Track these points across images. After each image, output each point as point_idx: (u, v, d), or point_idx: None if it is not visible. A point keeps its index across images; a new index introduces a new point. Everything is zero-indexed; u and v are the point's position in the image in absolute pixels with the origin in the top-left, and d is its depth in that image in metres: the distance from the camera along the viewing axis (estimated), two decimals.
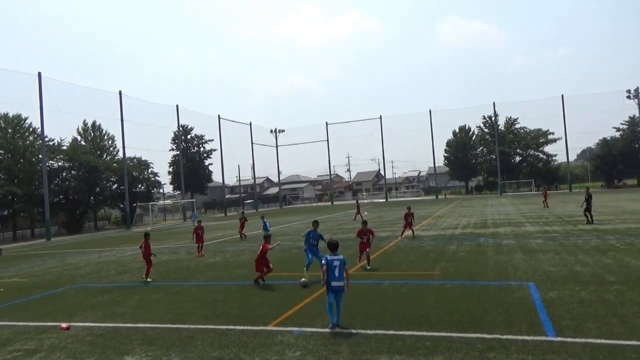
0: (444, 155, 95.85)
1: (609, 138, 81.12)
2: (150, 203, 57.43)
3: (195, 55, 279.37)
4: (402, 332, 7.48)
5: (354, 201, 39.90)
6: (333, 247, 8.30)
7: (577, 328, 7.16)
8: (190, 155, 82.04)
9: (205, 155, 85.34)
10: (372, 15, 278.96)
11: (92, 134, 66.63)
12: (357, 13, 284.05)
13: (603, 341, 6.54)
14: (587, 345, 6.41)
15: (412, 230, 21.38)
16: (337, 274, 7.83)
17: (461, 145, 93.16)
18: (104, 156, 65.23)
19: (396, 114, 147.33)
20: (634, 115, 76.48)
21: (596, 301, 8.59)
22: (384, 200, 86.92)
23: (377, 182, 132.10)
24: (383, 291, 10.58)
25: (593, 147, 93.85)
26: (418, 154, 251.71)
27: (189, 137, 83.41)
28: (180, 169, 69.43)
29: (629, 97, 72.76)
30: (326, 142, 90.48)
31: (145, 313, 10.09)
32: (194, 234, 20.38)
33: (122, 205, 62.28)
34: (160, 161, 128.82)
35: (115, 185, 63.70)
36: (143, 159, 67.20)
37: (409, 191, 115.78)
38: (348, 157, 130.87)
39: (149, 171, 68.36)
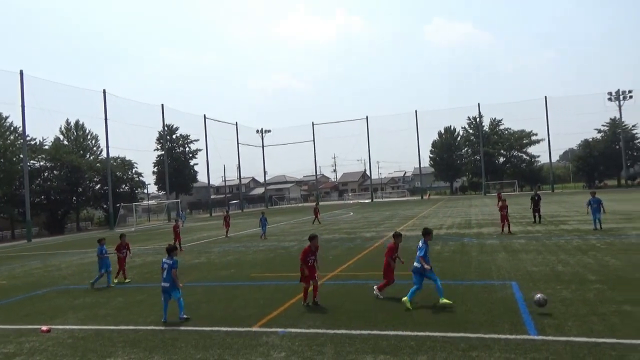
0: (430, 156, 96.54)
1: (590, 139, 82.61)
2: (134, 203, 56.72)
3: (182, 54, 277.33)
4: (386, 332, 7.51)
5: (312, 204, 39.40)
6: (168, 251, 9.51)
7: (559, 327, 7.26)
8: (175, 155, 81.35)
9: (190, 155, 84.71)
10: (359, 15, 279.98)
11: (75, 133, 65.59)
12: (344, 13, 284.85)
13: (583, 339, 6.65)
14: (568, 344, 6.51)
15: (509, 225, 20.52)
16: (165, 275, 9.21)
17: (446, 146, 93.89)
18: (87, 156, 64.27)
19: (382, 115, 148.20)
20: (615, 117, 77.99)
21: (577, 300, 8.72)
22: (370, 200, 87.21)
23: (363, 183, 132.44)
24: (368, 291, 10.60)
25: (575, 148, 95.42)
26: (404, 154, 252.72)
27: (174, 136, 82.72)
28: (165, 169, 68.79)
29: (610, 99, 74.05)
30: (312, 142, 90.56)
31: (128, 315, 9.97)
32: (174, 232, 21.76)
33: (105, 206, 61.47)
34: (145, 161, 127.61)
35: (99, 185, 62.79)
36: (127, 158, 66.42)
37: (394, 192, 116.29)
38: (334, 157, 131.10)
39: (133, 171, 67.53)
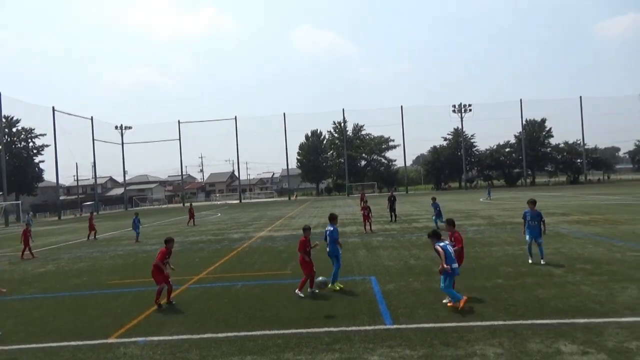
0: (297, 158, 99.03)
1: (438, 146, 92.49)
2: None
3: (24, 38, 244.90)
4: (253, 333, 7.51)
5: (189, 204, 38.58)
6: None
7: (410, 315, 7.98)
8: (15, 151, 71.50)
9: (35, 151, 75.14)
10: (227, 14, 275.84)
11: None
12: (212, 10, 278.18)
13: (431, 325, 7.40)
14: (418, 330, 7.19)
15: (370, 224, 21.61)
16: None
17: (313, 149, 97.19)
18: None
19: (252, 116, 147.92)
20: (457, 127, 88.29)
21: (426, 290, 9.68)
22: (238, 201, 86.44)
23: (231, 183, 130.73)
24: (236, 293, 10.50)
25: (425, 153, 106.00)
26: (272, 156, 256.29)
27: (14, 130, 72.67)
28: (2, 167, 60.04)
29: (454, 110, 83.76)
30: (178, 141, 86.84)
31: None
32: (22, 238, 19.57)
33: None
34: None
35: None
36: None
37: (263, 192, 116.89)
38: (201, 157, 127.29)
39: None
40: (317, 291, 9.75)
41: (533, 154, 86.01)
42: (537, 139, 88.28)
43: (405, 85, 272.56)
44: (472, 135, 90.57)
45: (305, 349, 6.65)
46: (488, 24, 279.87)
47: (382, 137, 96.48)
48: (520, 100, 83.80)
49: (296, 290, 9.75)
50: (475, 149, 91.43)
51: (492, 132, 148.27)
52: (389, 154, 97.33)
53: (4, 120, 64.21)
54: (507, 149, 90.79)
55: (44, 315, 9.54)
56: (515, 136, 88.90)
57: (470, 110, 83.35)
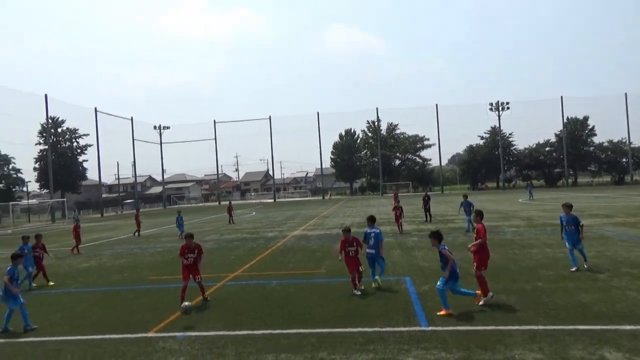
0: (331, 157, 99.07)
1: (474, 145, 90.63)
2: (11, 203, 51.03)
3: (68, 41, 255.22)
4: (288, 331, 7.57)
5: (227, 203, 39.56)
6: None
7: (446, 317, 7.85)
8: (61, 151, 74.46)
9: (79, 151, 78.06)
10: (261, 14, 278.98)
11: None
12: (246, 11, 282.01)
13: (467, 327, 7.27)
14: (454, 332, 7.07)
15: (400, 225, 21.36)
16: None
17: (347, 148, 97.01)
18: None
19: (285, 115, 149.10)
20: (495, 126, 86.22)
21: None
22: (273, 200, 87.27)
23: (265, 182, 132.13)
24: (270, 291, 10.61)
25: (461, 153, 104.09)
26: (306, 155, 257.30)
27: (59, 130, 75.75)
28: (49, 166, 62.71)
29: (491, 109, 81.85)
30: (214, 140, 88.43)
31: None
32: (73, 233, 20.40)
33: None
34: (24, 156, 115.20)
35: None
36: (2, 153, 59.52)
37: (296, 192, 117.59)
38: (236, 156, 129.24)
39: (10, 167, 60.74)
40: (357, 293, 9.70)
41: (575, 153, 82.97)
42: (579, 138, 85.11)
43: (441, 84, 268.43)
44: (510, 134, 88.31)
45: (339, 348, 6.65)
46: (527, 17, 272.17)
47: (416, 136, 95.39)
48: (561, 97, 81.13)
49: (354, 291, 9.73)
50: (514, 148, 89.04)
51: (532, 130, 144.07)
52: (424, 153, 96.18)
53: (50, 121, 67.07)
54: (547, 148, 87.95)
55: (86, 309, 9.92)
56: (556, 134, 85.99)
57: (508, 108, 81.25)
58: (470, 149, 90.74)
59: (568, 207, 11.53)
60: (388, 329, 7.39)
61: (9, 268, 8.81)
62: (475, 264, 8.88)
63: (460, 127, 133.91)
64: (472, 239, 8.76)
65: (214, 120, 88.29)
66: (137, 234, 27.06)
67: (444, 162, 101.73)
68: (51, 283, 13.04)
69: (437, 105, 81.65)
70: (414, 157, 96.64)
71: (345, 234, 10.15)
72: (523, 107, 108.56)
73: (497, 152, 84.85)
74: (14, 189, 62.37)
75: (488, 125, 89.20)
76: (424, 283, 10.48)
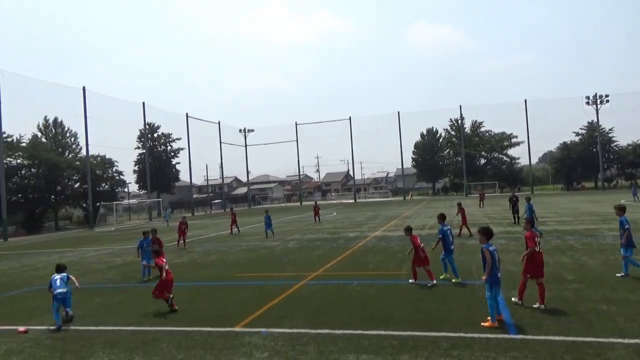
0: (412, 157, 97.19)
1: (568, 142, 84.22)
2: (115, 202, 55.85)
3: (162, 51, 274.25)
4: (369, 332, 7.54)
5: (312, 203, 40.44)
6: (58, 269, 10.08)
7: (538, 326, 7.39)
8: (156, 154, 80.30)
9: (172, 154, 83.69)
10: (341, 15, 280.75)
11: (53, 130, 64.31)
12: (326, 13, 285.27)
13: (562, 338, 6.78)
14: (546, 342, 6.63)
15: (467, 227, 20.53)
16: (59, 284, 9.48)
17: (428, 147, 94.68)
18: (66, 154, 63.09)
19: (365, 115, 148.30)
20: (592, 121, 79.61)
21: (555, 299, 8.88)
22: (353, 201, 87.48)
23: (346, 183, 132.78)
24: (351, 291, 10.64)
25: (554, 150, 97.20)
26: (386, 155, 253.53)
27: (155, 135, 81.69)
28: (146, 168, 67.90)
29: (587, 103, 75.57)
30: (296, 142, 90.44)
31: (107, 315, 9.83)
32: (178, 229, 22.46)
33: (84, 205, 60.40)
34: (126, 159, 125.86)
35: (78, 183, 61.61)
36: (107, 157, 65.32)
37: (377, 192, 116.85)
38: (317, 157, 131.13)
39: (113, 169, 66.45)
40: (433, 282, 10.53)
41: None
42: None
43: (529, 78, 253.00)
44: (610, 129, 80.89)
45: (422, 352, 6.51)
46: (624, 3, 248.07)
47: (503, 133, 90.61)
48: None
49: (432, 282, 10.62)
50: (615, 144, 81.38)
51: (636, 125, 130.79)
52: (512, 152, 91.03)
53: (147, 126, 72.54)
54: None
55: (179, 302, 10.55)
56: None
57: (607, 101, 74.45)
58: (564, 146, 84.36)
59: (619, 209, 10.84)
60: (473, 334, 7.11)
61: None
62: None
63: (552, 123, 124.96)
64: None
65: (296, 122, 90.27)
66: (235, 230, 28.77)
67: (534, 160, 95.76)
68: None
69: (525, 100, 77.11)
70: (500, 156, 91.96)
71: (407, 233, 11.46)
72: (624, 100, 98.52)
73: (595, 149, 78.19)
74: (116, 190, 68.14)
75: (584, 120, 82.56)
76: (512, 288, 9.91)
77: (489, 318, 7.57)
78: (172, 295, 9.88)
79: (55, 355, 7.40)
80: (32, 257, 23.37)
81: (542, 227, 22.20)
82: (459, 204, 22.25)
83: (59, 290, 9.41)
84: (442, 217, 11.73)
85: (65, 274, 9.80)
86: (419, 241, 10.84)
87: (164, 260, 10.20)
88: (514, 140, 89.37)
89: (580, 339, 6.69)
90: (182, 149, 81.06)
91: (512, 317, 7.92)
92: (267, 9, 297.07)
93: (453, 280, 10.92)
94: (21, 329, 8.95)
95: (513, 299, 8.81)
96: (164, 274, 9.89)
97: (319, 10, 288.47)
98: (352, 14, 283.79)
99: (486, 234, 8.02)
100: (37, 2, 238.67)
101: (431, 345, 6.77)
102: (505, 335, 7.02)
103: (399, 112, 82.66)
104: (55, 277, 9.71)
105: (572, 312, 7.95)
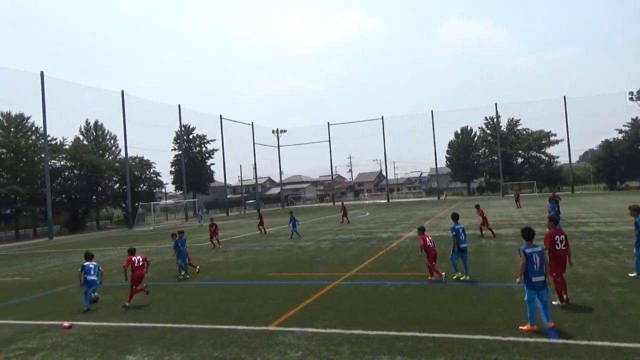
0: (446, 156, 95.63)
1: (611, 140, 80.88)
2: (152, 203, 57.44)
3: (196, 54, 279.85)
4: (403, 333, 7.48)
5: (340, 204, 40.45)
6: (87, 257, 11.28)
7: (580, 330, 7.14)
8: (192, 155, 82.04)
9: (207, 155, 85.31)
10: (372, 14, 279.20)
11: (94, 133, 66.64)
12: (357, 12, 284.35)
13: (605, 343, 6.52)
14: (589, 347, 6.40)
15: (489, 228, 20.18)
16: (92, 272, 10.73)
17: (463, 147, 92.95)
18: (106, 156, 65.28)
19: (398, 115, 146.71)
20: (637, 117, 76.31)
21: (598, 303, 8.57)
22: (386, 201, 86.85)
23: (379, 183, 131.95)
24: (385, 292, 10.57)
25: (595, 148, 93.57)
26: (420, 154, 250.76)
27: (190, 137, 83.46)
28: (182, 169, 69.50)
29: (631, 98, 72.55)
30: (328, 142, 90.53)
31: (146, 312, 10.11)
32: (209, 230, 23.39)
33: (124, 205, 62.33)
34: (162, 161, 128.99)
35: (117, 184, 63.67)
36: (145, 158, 67.22)
37: (410, 192, 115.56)
38: (350, 157, 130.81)
39: (151, 171, 68.32)
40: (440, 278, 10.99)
41: None
42: None
43: (569, 74, 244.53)
44: None
45: (458, 355, 6.40)
46: None
47: (541, 131, 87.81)
48: None
49: (431, 277, 11.31)
50: None
51: None
52: (551, 150, 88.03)
53: (182, 128, 74.20)
54: None
55: (215, 301, 10.78)
56: None
57: None
58: (607, 144, 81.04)
59: (634, 209, 10.72)
60: (511, 338, 6.93)
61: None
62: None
63: (593, 121, 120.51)
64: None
65: (328, 122, 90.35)
66: (262, 230, 29.05)
67: (575, 159, 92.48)
68: (197, 269, 15.19)
69: (564, 97, 74.62)
70: (538, 155, 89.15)
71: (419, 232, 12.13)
72: None
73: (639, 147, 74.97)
74: (154, 190, 70.03)
75: (628, 117, 79.22)
76: (553, 291, 9.62)
77: (527, 322, 7.37)
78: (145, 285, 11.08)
79: (97, 350, 7.66)
80: (76, 255, 24.27)
81: (584, 228, 21.46)
82: (477, 206, 21.96)
83: (93, 278, 10.70)
84: (455, 217, 12.09)
85: (96, 264, 11.10)
86: (424, 241, 11.35)
87: (134, 259, 11.11)
88: (552, 138, 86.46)
89: (625, 344, 6.43)
90: (217, 150, 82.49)
91: (553, 320, 7.67)
92: (297, 10, 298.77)
93: (462, 278, 11.19)
94: (66, 324, 9.32)
95: (554, 302, 8.56)
96: (131, 272, 10.92)
97: (349, 9, 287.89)
98: (384, 13, 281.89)
99: (524, 234, 7.85)
100: (72, 8, 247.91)
101: (467, 348, 6.64)
102: (546, 340, 6.81)
103: (432, 111, 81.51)
104: (90, 265, 10.84)
105: (616, 317, 7.64)
